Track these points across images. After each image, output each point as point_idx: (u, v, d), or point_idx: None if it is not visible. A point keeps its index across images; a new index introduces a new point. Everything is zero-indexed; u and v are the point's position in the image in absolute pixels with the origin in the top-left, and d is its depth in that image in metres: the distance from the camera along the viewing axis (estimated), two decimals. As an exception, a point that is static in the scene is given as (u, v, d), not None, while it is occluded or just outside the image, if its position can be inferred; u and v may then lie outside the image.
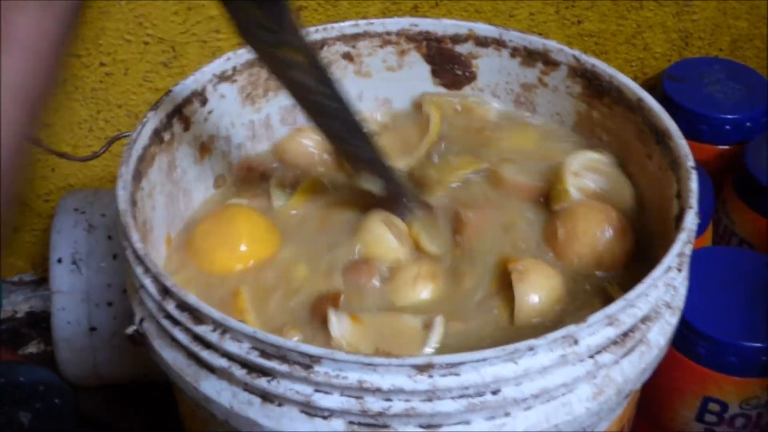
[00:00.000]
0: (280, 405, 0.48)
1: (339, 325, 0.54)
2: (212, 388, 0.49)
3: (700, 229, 0.79)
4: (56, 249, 0.82)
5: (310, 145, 0.69)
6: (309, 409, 0.47)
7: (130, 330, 0.54)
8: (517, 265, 0.58)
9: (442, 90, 0.73)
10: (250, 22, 0.50)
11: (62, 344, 0.82)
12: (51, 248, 0.82)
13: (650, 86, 0.99)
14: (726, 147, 0.90)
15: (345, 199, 0.65)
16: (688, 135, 0.60)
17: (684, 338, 0.69)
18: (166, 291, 0.50)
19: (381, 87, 0.73)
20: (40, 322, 0.96)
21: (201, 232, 0.63)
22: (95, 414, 0.86)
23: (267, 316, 0.58)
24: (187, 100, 0.64)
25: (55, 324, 0.82)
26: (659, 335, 0.52)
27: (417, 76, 0.73)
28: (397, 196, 0.63)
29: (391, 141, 0.69)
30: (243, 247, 0.62)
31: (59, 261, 0.82)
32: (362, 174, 0.61)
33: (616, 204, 0.63)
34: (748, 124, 0.90)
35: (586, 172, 0.64)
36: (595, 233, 0.60)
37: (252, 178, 0.68)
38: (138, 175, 0.58)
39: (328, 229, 0.64)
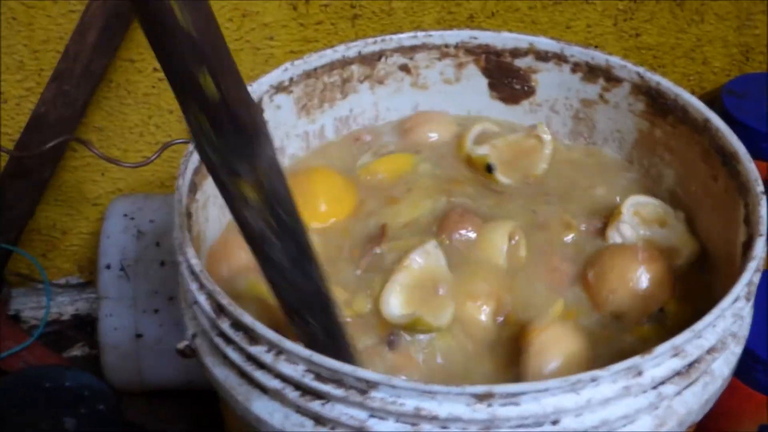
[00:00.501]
0: (333, 428, 0.47)
1: None
2: (264, 409, 0.48)
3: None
4: (105, 255, 0.82)
5: (434, 135, 0.71)
6: (363, 434, 0.46)
7: (182, 345, 0.54)
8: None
9: (499, 104, 0.72)
10: (203, 138, 0.41)
11: (108, 350, 0.82)
12: (100, 254, 0.82)
13: (708, 101, 0.96)
14: (787, 165, 0.88)
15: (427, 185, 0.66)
16: (748, 152, 0.58)
17: (741, 363, 0.67)
18: (221, 309, 0.49)
19: (437, 100, 0.72)
20: (85, 326, 0.95)
21: None
22: (139, 419, 0.86)
23: (331, 272, 0.57)
24: (243, 111, 0.63)
25: (101, 329, 0.81)
26: (724, 366, 0.51)
27: (474, 90, 0.71)
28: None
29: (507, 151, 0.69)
30: (322, 207, 0.63)
31: (108, 267, 0.81)
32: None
33: (672, 256, 0.61)
34: (809, 142, 0.87)
35: (646, 220, 0.62)
36: (626, 274, 0.58)
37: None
38: (194, 187, 0.57)
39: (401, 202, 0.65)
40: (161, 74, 0.87)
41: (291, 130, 0.67)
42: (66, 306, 0.98)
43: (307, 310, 0.48)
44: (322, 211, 0.63)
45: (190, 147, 0.58)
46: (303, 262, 0.46)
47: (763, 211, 0.54)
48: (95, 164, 0.91)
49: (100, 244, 0.82)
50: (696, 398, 0.49)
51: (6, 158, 0.85)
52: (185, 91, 0.40)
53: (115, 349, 0.82)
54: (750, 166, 0.57)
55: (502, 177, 0.66)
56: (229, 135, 0.41)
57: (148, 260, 0.82)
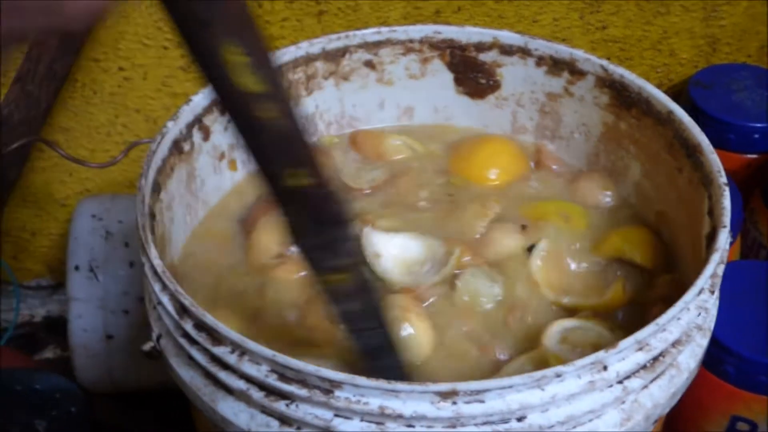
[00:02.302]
0: (298, 429, 0.46)
1: None
2: (229, 410, 0.48)
3: (728, 242, 0.78)
4: (73, 256, 0.81)
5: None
6: (329, 434, 0.46)
7: (147, 346, 0.53)
8: None
9: (465, 99, 0.72)
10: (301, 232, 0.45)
11: (79, 351, 0.81)
12: (68, 255, 0.81)
13: (676, 93, 0.97)
14: (754, 156, 0.88)
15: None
16: (715, 143, 0.58)
17: (712, 356, 0.67)
18: (184, 309, 0.49)
19: (403, 95, 0.72)
20: (56, 328, 0.95)
21: None
22: (110, 421, 0.85)
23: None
24: (207, 109, 0.63)
25: (71, 331, 0.81)
26: (690, 358, 0.51)
27: (440, 84, 0.71)
28: None
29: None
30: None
31: (76, 268, 0.81)
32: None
33: None
34: (776, 132, 0.88)
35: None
36: None
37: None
38: (157, 187, 0.57)
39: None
40: (127, 73, 0.87)
41: (256, 128, 0.67)
42: (37, 308, 0.97)
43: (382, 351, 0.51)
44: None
45: (153, 146, 0.58)
46: (385, 338, 0.51)
47: (726, 202, 0.54)
48: (62, 165, 0.90)
49: (68, 246, 0.82)
50: (662, 392, 0.49)
51: (-29, 161, 0.84)
52: (286, 198, 0.42)
53: (85, 351, 0.81)
54: (713, 158, 0.57)
55: None
56: (329, 230, 0.44)
57: (117, 261, 0.81)
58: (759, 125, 0.88)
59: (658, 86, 0.63)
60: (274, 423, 0.47)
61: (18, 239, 0.94)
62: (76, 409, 0.79)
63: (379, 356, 0.51)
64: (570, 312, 0.58)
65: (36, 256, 0.96)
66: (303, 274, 0.58)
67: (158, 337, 0.53)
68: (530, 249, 0.61)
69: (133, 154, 0.86)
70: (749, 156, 0.88)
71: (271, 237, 0.61)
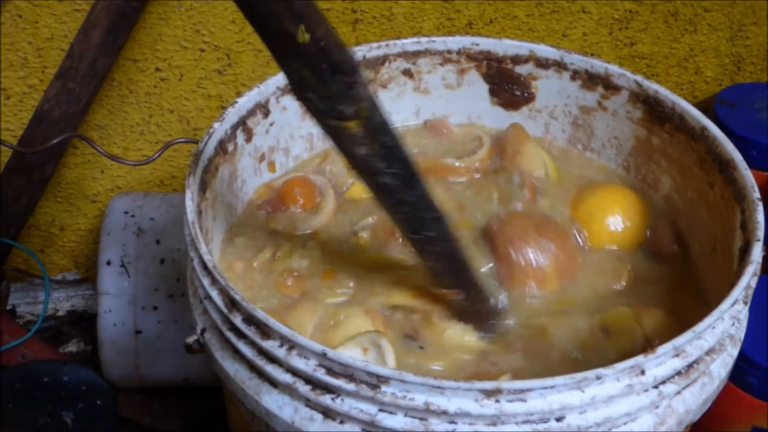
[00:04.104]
0: (342, 422, 0.48)
1: None
2: (274, 403, 0.49)
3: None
4: (105, 251, 0.83)
5: None
6: (372, 428, 0.47)
7: (191, 340, 0.55)
8: None
9: (500, 110, 0.73)
10: (308, 90, 0.45)
11: (107, 345, 0.83)
12: (100, 250, 0.83)
13: (701, 110, 0.99)
14: (775, 174, 0.90)
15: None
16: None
17: (735, 367, 0.69)
18: (233, 304, 0.50)
19: (439, 104, 0.73)
20: (80, 322, 0.96)
21: None
22: (133, 415, 0.86)
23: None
24: (251, 112, 0.64)
25: (101, 325, 0.82)
26: (721, 367, 0.52)
27: (475, 95, 0.73)
28: (473, 305, 0.59)
29: None
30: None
31: (108, 263, 0.82)
32: (435, 275, 0.57)
33: None
34: (799, 151, 0.89)
35: None
36: None
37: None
38: (203, 186, 0.58)
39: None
40: (163, 74, 0.88)
41: (296, 131, 0.69)
42: (62, 302, 0.98)
43: (422, 225, 0.53)
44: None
45: (200, 146, 0.59)
46: (410, 180, 0.51)
47: (759, 217, 0.55)
48: (95, 161, 0.92)
49: (101, 241, 0.83)
50: (694, 398, 0.51)
51: (7, 154, 0.86)
52: (285, 50, 0.43)
53: (113, 345, 0.83)
54: (746, 173, 0.58)
55: None
56: (331, 81, 0.44)
57: (148, 257, 0.83)
58: (781, 144, 0.89)
59: (687, 103, 0.65)
60: (318, 416, 0.48)
61: (47, 233, 0.96)
62: (102, 402, 0.81)
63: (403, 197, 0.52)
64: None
65: (63, 250, 0.97)
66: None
67: (202, 331, 0.54)
68: None
69: (164, 154, 0.87)
70: (771, 174, 0.90)
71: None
